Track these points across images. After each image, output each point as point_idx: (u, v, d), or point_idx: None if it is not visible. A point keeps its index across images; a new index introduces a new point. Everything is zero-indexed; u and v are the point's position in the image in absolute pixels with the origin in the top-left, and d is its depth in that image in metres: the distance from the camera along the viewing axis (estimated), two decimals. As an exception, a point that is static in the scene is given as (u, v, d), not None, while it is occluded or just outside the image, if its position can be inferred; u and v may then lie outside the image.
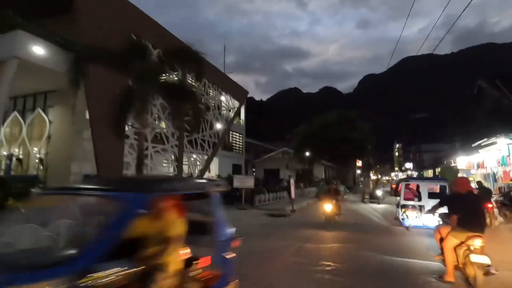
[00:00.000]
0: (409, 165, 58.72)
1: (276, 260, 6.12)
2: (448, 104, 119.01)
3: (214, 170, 28.12)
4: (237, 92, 31.90)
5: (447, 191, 8.63)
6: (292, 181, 14.53)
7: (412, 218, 9.10)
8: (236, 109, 31.15)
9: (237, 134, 32.28)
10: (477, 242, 4.28)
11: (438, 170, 36.97)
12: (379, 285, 4.71)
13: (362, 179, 41.06)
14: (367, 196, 20.52)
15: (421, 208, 8.96)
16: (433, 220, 7.00)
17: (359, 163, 50.95)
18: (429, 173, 43.63)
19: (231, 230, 3.16)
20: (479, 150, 15.33)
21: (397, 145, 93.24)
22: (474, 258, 4.20)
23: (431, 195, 9.25)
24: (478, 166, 17.78)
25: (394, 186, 22.56)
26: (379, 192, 19.96)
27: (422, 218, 8.68)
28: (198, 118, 9.77)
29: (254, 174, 34.68)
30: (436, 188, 10.43)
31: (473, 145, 17.06)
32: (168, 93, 9.02)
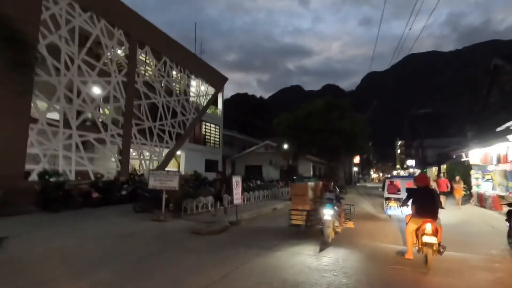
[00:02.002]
0: (411, 162, 53.58)
1: None
2: (452, 100, 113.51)
3: (182, 166, 23.83)
4: (214, 78, 27.50)
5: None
6: (236, 179, 10.11)
7: (393, 208, 10.78)
8: (211, 96, 26.77)
9: (213, 126, 27.91)
10: (428, 226, 5.01)
11: (444, 167, 32.17)
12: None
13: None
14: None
15: (399, 199, 10.62)
16: (409, 210, 7.88)
17: (356, 159, 46.28)
18: (433, 170, 38.70)
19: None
20: (509, 136, 10.68)
21: (399, 142, 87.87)
22: (425, 239, 4.99)
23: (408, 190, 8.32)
24: (499, 161, 13.15)
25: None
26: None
27: (401, 208, 9.50)
28: (29, 71, 5.49)
29: (229, 171, 30.34)
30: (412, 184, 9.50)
31: (498, 128, 12.38)
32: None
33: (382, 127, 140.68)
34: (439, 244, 4.95)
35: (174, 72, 22.37)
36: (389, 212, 10.79)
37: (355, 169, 47.90)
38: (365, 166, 73.27)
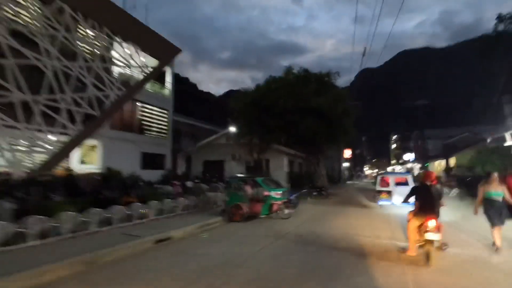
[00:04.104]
0: (408, 156, 46.83)
1: None
2: (448, 93, 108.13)
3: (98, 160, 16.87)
4: (157, 45, 20.50)
5: (409, 181, 12.51)
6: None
7: (384, 199, 12.58)
8: (152, 70, 19.82)
9: (156, 109, 20.94)
10: (430, 223, 4.94)
11: (453, 160, 25.55)
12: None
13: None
14: None
15: (389, 192, 12.45)
16: (398, 200, 10.66)
17: (346, 154, 39.53)
18: (436, 164, 32.08)
19: None
20: None
21: (394, 137, 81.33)
22: (428, 235, 4.90)
23: (397, 184, 12.80)
24: None
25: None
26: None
27: (391, 198, 12.17)
28: None
29: (183, 168, 23.44)
30: (400, 179, 13.28)
31: None
32: None
33: (377, 124, 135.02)
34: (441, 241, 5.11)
35: (81, 27, 15.33)
36: (380, 202, 12.74)
37: (346, 164, 41.19)
38: (358, 162, 66.81)
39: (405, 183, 12.39)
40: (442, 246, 5.12)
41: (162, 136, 21.32)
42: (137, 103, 19.44)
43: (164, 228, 7.27)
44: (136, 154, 18.81)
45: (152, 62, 17.96)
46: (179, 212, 9.39)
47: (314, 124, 16.20)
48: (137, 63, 18.16)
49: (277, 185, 10.61)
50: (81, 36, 14.92)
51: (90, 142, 16.91)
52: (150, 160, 19.90)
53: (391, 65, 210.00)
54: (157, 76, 21.09)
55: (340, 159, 36.74)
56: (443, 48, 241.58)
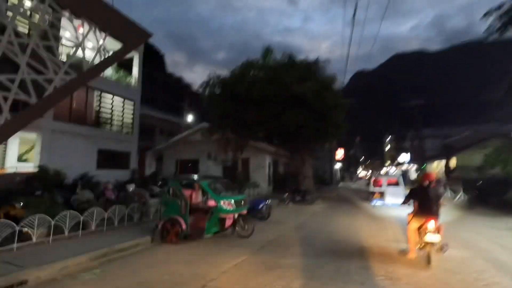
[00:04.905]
0: (404, 157, 44.29)
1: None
2: (443, 94, 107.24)
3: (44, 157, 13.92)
4: (121, 27, 17.78)
5: (399, 182, 14.04)
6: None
7: (377, 199, 13.63)
8: (113, 55, 17.08)
9: (118, 99, 18.05)
10: (430, 224, 4.83)
11: (453, 160, 23.04)
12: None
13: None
14: None
15: (381, 193, 13.53)
16: (390, 200, 12.90)
17: (338, 154, 36.89)
18: (438, 165, 29.63)
19: None
20: None
21: (389, 138, 78.96)
22: (428, 237, 4.80)
23: (388, 185, 13.92)
24: None
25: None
26: None
27: (384, 199, 13.38)
28: None
29: (153, 168, 20.60)
30: (391, 180, 14.41)
31: None
32: None
33: (371, 125, 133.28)
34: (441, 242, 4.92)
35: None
36: (374, 203, 13.70)
37: (338, 165, 38.54)
38: (352, 164, 64.40)
39: (396, 184, 13.98)
40: (442, 248, 4.93)
41: (126, 131, 18.44)
42: (94, 92, 16.56)
43: (36, 259, 4.48)
44: (91, 151, 15.93)
45: (116, 46, 15.13)
46: (91, 229, 6.59)
47: (298, 116, 13.45)
48: (94, 46, 15.22)
49: (233, 191, 7.84)
50: (13, 4, 11.96)
51: (30, 135, 14.03)
52: (110, 159, 17.04)
53: (385, 67, 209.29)
54: (121, 61, 18.32)
55: (332, 159, 34.09)
56: (437, 51, 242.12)
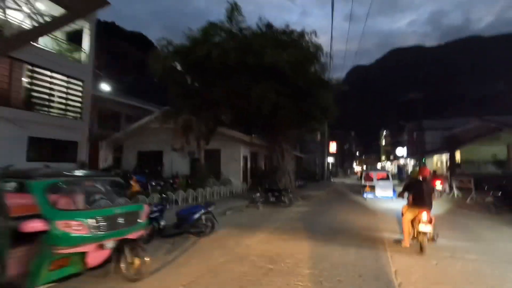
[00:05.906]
0: (401, 151, 41.36)
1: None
2: (441, 88, 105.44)
3: None
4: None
5: (389, 177, 14.95)
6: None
7: (368, 192, 13.91)
8: (51, 21, 13.74)
9: (62, 77, 14.71)
10: (424, 216, 5.10)
11: (458, 153, 20.10)
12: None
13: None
14: None
15: (372, 187, 13.92)
16: (379, 193, 13.43)
17: (332, 147, 33.89)
18: (435, 160, 26.90)
19: None
20: None
21: (385, 132, 75.95)
22: (421, 227, 5.09)
23: (379, 179, 14.37)
24: None
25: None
26: None
27: (374, 192, 13.65)
28: None
29: (109, 160, 17.36)
30: (382, 175, 15.09)
31: None
32: None
33: (367, 120, 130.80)
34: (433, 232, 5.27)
35: None
36: (365, 195, 13.97)
37: (330, 160, 35.50)
38: (347, 158, 61.65)
39: (386, 178, 14.70)
40: (434, 238, 5.30)
41: (71, 115, 15.16)
42: (24, 66, 13.23)
43: None
44: (19, 139, 12.67)
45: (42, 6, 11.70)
46: None
47: (271, 93, 10.27)
48: (22, 7, 11.81)
49: (119, 199, 4.64)
50: None
51: None
52: (47, 149, 13.82)
53: (382, 62, 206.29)
54: (62, 31, 15.02)
55: (325, 153, 31.02)
56: (435, 46, 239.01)
